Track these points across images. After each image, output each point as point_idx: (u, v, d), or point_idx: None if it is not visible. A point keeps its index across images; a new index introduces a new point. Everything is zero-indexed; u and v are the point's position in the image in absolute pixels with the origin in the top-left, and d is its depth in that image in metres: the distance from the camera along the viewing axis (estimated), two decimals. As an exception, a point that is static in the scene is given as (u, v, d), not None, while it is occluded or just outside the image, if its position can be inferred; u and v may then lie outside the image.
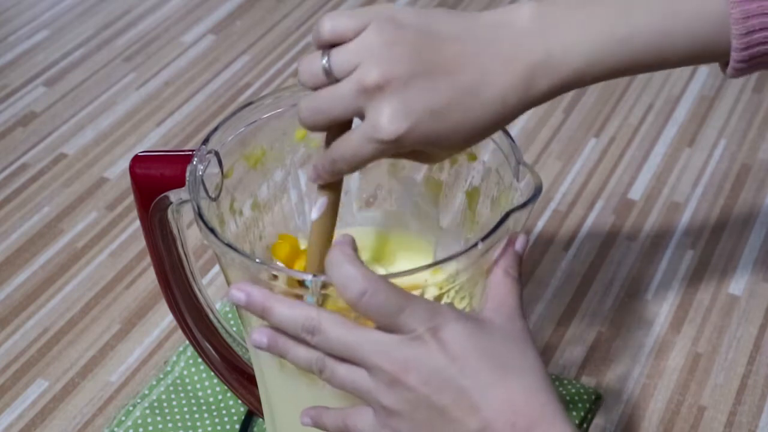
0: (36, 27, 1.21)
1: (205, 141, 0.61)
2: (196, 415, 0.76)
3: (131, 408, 0.77)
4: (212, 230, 0.57)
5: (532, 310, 0.85)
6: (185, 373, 0.79)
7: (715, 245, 0.91)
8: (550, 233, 0.93)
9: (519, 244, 0.58)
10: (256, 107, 0.64)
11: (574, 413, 0.76)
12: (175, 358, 0.80)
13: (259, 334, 0.56)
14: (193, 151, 0.61)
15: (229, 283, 0.60)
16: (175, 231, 0.65)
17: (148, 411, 0.76)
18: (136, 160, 0.63)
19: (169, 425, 0.76)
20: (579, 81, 0.57)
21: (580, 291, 0.87)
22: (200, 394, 0.78)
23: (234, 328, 0.71)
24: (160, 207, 0.63)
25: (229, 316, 0.83)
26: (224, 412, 0.77)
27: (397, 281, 0.53)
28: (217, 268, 0.89)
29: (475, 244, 0.54)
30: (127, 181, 0.97)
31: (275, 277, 0.55)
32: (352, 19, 0.55)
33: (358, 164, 0.57)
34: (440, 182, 0.68)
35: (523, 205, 0.56)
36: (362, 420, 0.55)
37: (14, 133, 1.06)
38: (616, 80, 1.10)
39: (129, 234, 0.93)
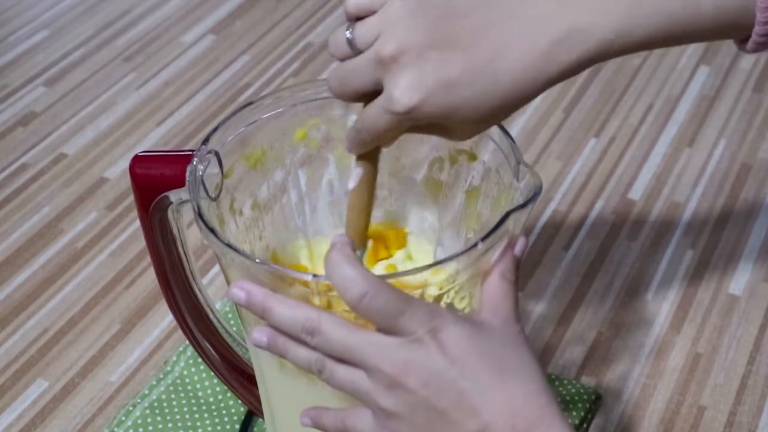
0: (36, 27, 1.21)
1: (205, 141, 0.61)
2: (196, 415, 0.76)
3: (131, 408, 0.77)
4: (212, 230, 0.57)
5: (532, 310, 0.85)
6: (185, 373, 0.79)
7: (715, 245, 0.91)
8: (550, 233, 0.93)
9: (518, 248, 0.58)
10: (256, 107, 0.64)
11: (574, 413, 0.76)
12: (175, 358, 0.80)
13: (259, 333, 0.56)
14: (193, 151, 0.61)
15: (229, 283, 0.60)
16: (175, 231, 0.65)
17: (148, 411, 0.76)
18: (136, 160, 0.63)
19: (169, 425, 0.76)
20: (603, 54, 0.56)
21: (580, 291, 0.87)
22: (200, 394, 0.78)
23: (234, 328, 0.71)
24: (160, 207, 0.63)
25: (229, 316, 0.83)
26: (224, 412, 0.77)
27: (396, 281, 0.53)
28: (217, 268, 0.89)
29: (475, 244, 0.54)
30: (127, 181, 0.97)
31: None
32: None
33: (379, 135, 0.58)
34: (440, 182, 0.68)
35: (523, 205, 0.56)
36: (361, 421, 0.55)
37: (14, 133, 1.06)
38: (616, 80, 1.10)
39: (129, 234, 0.93)
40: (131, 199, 0.88)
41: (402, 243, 0.68)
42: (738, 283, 0.88)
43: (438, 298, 0.57)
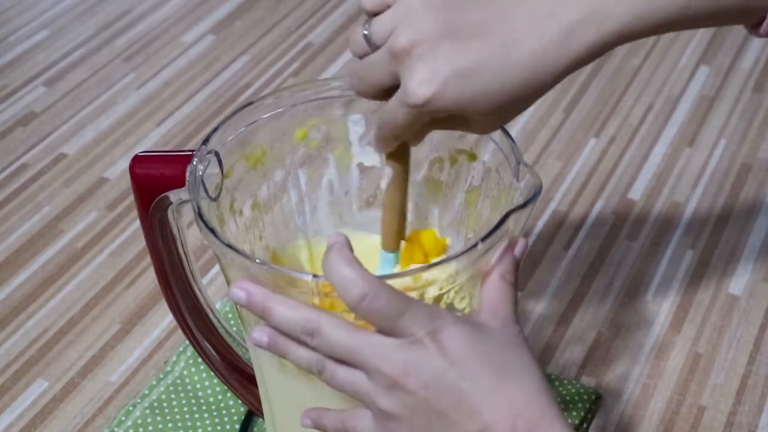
0: (36, 27, 1.21)
1: (205, 141, 0.61)
2: (196, 415, 0.76)
3: (131, 408, 0.77)
4: (212, 230, 0.57)
5: (532, 310, 0.85)
6: (185, 373, 0.79)
7: (715, 245, 0.91)
8: (550, 233, 0.93)
9: (518, 250, 0.58)
10: (256, 107, 0.64)
11: (574, 413, 0.76)
12: (175, 358, 0.80)
13: (259, 332, 0.56)
14: (193, 151, 0.61)
15: (229, 283, 0.60)
16: (175, 231, 0.65)
17: (148, 411, 0.76)
18: (136, 160, 0.63)
19: (169, 425, 0.76)
20: (620, 38, 0.55)
21: (580, 291, 0.87)
22: (200, 394, 0.78)
23: (234, 328, 0.71)
24: (160, 207, 0.63)
25: (229, 316, 0.83)
26: (224, 412, 0.77)
27: (396, 281, 0.53)
28: (217, 268, 0.89)
29: (475, 245, 0.54)
30: (127, 181, 0.97)
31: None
32: None
33: (399, 130, 0.57)
34: (440, 182, 0.68)
35: (523, 205, 0.56)
36: (361, 422, 0.55)
37: (14, 133, 1.06)
38: (616, 80, 1.10)
39: (129, 234, 0.93)
40: (131, 199, 0.88)
41: (441, 251, 0.67)
42: (738, 283, 0.88)
43: (438, 299, 0.57)
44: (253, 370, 0.68)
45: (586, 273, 0.89)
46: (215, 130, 0.62)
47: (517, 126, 1.04)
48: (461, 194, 0.67)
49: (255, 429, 0.76)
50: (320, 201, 0.71)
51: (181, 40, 1.19)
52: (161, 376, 0.79)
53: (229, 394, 0.78)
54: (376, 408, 0.53)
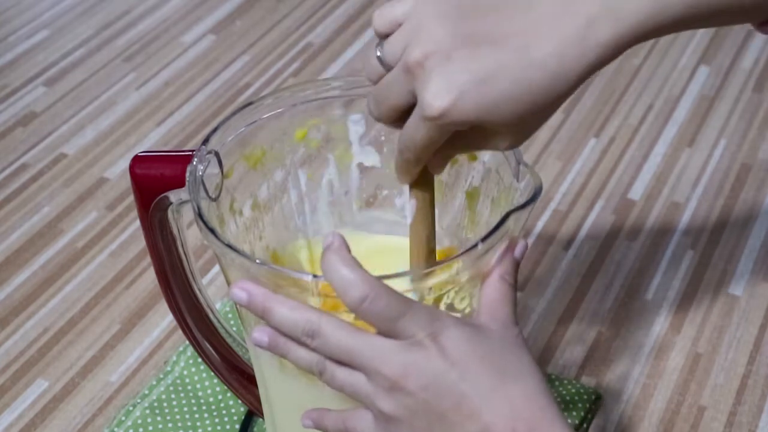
0: (36, 27, 1.21)
1: (205, 141, 0.61)
2: (196, 415, 0.76)
3: (131, 408, 0.77)
4: (212, 230, 0.57)
5: (532, 310, 0.85)
6: (185, 373, 0.79)
7: (715, 245, 0.91)
8: (550, 233, 0.93)
9: (518, 251, 0.58)
10: (256, 107, 0.64)
11: (574, 413, 0.76)
12: (175, 358, 0.80)
13: (260, 333, 0.56)
14: (193, 151, 0.61)
15: (229, 283, 0.60)
16: (175, 231, 0.65)
17: (148, 411, 0.76)
18: (136, 160, 0.63)
19: (169, 425, 0.76)
20: (639, 34, 0.53)
21: (580, 291, 0.87)
22: (200, 394, 0.78)
23: (234, 328, 0.71)
24: (160, 207, 0.63)
25: (229, 316, 0.83)
26: (224, 412, 0.77)
27: (396, 282, 0.53)
28: (217, 268, 0.89)
29: (475, 245, 0.54)
30: (127, 181, 0.97)
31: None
32: (398, 6, 0.54)
33: (420, 150, 0.55)
34: (440, 182, 0.68)
35: (523, 206, 0.56)
36: (362, 423, 0.55)
37: (14, 133, 1.06)
38: (616, 80, 1.10)
39: (129, 234, 0.93)
40: (131, 199, 0.88)
41: None
42: (738, 283, 0.88)
43: (438, 299, 0.57)
44: (253, 370, 0.68)
45: (586, 273, 0.89)
46: (215, 130, 0.62)
47: (517, 126, 1.04)
48: (461, 194, 0.67)
49: (255, 429, 0.76)
50: (320, 201, 0.71)
51: (181, 40, 1.19)
52: (161, 376, 0.79)
53: (229, 394, 0.78)
54: (377, 409, 0.53)
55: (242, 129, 0.64)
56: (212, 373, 0.76)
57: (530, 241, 0.92)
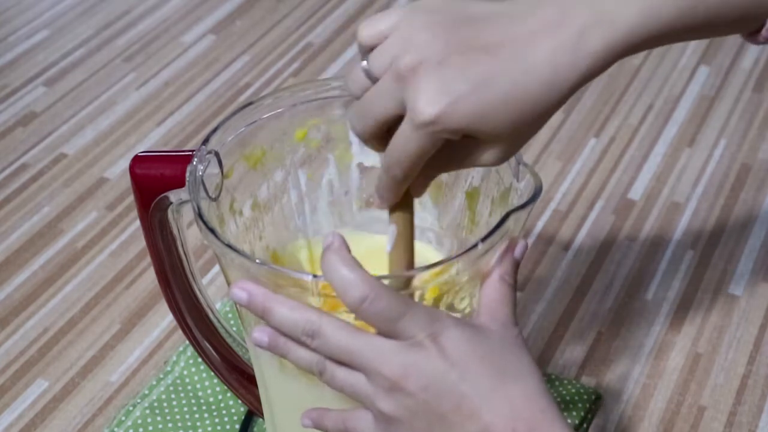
0: (36, 27, 1.21)
1: (205, 141, 0.61)
2: (196, 415, 0.76)
3: (131, 408, 0.77)
4: (212, 230, 0.57)
5: (533, 310, 0.85)
6: (185, 373, 0.79)
7: (715, 245, 0.91)
8: (550, 233, 0.93)
9: (518, 251, 0.58)
10: (256, 107, 0.64)
11: (574, 413, 0.76)
12: (175, 358, 0.80)
13: (260, 333, 0.56)
14: (193, 151, 0.61)
15: (229, 283, 0.60)
16: (175, 231, 0.65)
17: (148, 411, 0.76)
18: (136, 161, 0.63)
19: (169, 425, 0.76)
20: (630, 44, 0.53)
21: (580, 291, 0.87)
22: (200, 394, 0.78)
23: (234, 328, 0.71)
24: (160, 207, 0.63)
25: (229, 316, 0.83)
26: (224, 412, 0.77)
27: (396, 282, 0.53)
28: (217, 268, 0.89)
29: (475, 245, 0.54)
30: (127, 181, 0.97)
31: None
32: (385, 18, 0.54)
33: (410, 164, 0.54)
34: (440, 182, 0.68)
35: (523, 206, 0.56)
36: (362, 423, 0.55)
37: (14, 133, 1.06)
38: (616, 80, 1.10)
39: (129, 234, 0.93)
40: (131, 199, 0.88)
41: None
42: (738, 283, 0.88)
43: (438, 299, 0.57)
44: (253, 370, 0.68)
45: (586, 273, 0.89)
46: (215, 130, 0.62)
47: (517, 126, 1.04)
48: (461, 194, 0.67)
49: (255, 429, 0.76)
50: (320, 201, 0.71)
51: (181, 40, 1.19)
52: (161, 376, 0.79)
53: (229, 394, 0.78)
54: (377, 410, 0.53)
55: (242, 129, 0.64)
56: (212, 373, 0.76)
57: (530, 241, 0.92)
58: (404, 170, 0.55)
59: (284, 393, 0.64)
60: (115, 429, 0.75)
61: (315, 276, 0.54)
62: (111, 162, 1.02)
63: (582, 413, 0.76)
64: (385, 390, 0.52)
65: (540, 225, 0.93)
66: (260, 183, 0.67)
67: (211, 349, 0.71)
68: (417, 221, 0.70)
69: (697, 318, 0.85)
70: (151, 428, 0.75)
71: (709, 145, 1.02)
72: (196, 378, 0.79)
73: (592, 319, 0.85)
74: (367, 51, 0.54)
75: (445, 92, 0.51)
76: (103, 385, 0.80)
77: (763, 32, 0.58)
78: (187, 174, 0.60)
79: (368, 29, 0.54)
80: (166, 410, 0.77)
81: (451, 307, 0.58)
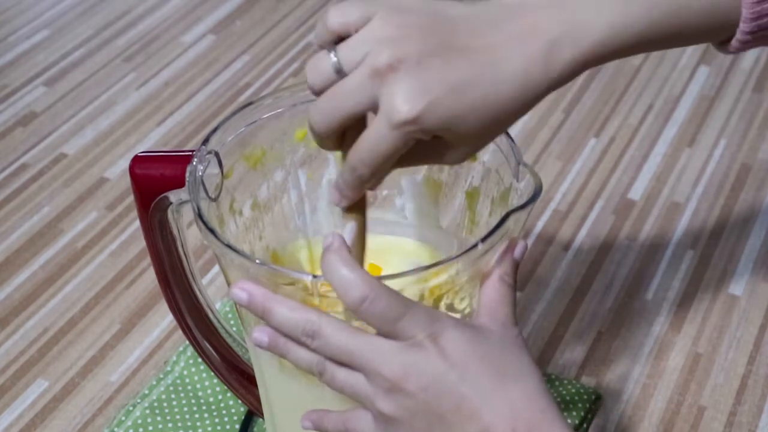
0: (36, 27, 1.21)
1: (205, 141, 0.61)
2: (196, 415, 0.76)
3: (131, 408, 0.77)
4: (212, 231, 0.57)
5: (533, 310, 0.85)
6: (185, 373, 0.79)
7: (715, 245, 0.91)
8: (550, 233, 0.93)
9: (517, 252, 0.58)
10: (256, 107, 0.64)
11: (574, 413, 0.76)
12: (175, 358, 0.80)
13: (260, 333, 0.56)
14: (193, 151, 0.61)
15: (229, 284, 0.60)
16: (175, 231, 0.65)
17: (148, 411, 0.76)
18: (136, 161, 0.63)
19: (169, 425, 0.76)
20: (599, 55, 0.55)
21: (580, 291, 0.87)
22: (200, 394, 0.78)
23: (234, 328, 0.71)
24: (160, 207, 0.63)
25: (229, 316, 0.83)
26: (224, 412, 0.77)
27: (396, 282, 0.53)
28: (217, 268, 0.89)
29: (475, 245, 0.54)
30: (127, 181, 0.97)
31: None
32: (358, 9, 0.53)
33: (379, 165, 0.54)
34: (440, 182, 0.68)
35: (523, 206, 0.56)
36: (362, 423, 0.55)
37: (14, 133, 1.06)
38: (616, 80, 1.10)
39: (129, 234, 0.93)
40: (131, 199, 0.88)
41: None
42: (738, 283, 0.88)
43: (438, 299, 0.57)
44: (253, 370, 0.68)
45: (586, 273, 0.89)
46: (215, 130, 0.62)
47: (517, 126, 1.04)
48: (461, 194, 0.67)
49: (255, 429, 0.76)
50: (320, 201, 0.71)
51: (181, 40, 1.19)
52: (161, 376, 0.79)
53: (229, 394, 0.78)
54: (376, 411, 0.53)
55: (242, 129, 0.64)
56: (212, 373, 0.76)
57: (530, 241, 0.92)
58: (372, 169, 0.54)
59: (284, 393, 0.64)
60: (115, 429, 0.75)
61: (315, 276, 0.54)
62: (111, 162, 1.02)
63: (582, 413, 0.76)
64: (384, 390, 0.52)
65: (540, 225, 0.93)
66: (260, 183, 0.67)
67: (211, 349, 0.71)
68: (417, 221, 0.70)
69: (697, 318, 0.85)
70: (151, 428, 0.75)
71: (709, 145, 1.02)
72: (196, 378, 0.79)
73: (592, 319, 0.85)
74: (330, 40, 0.54)
75: (425, 92, 0.51)
76: (103, 385, 0.80)
77: (733, 42, 0.59)
78: (187, 174, 0.60)
79: (338, 16, 0.53)
80: (166, 410, 0.77)
81: (451, 308, 0.58)
